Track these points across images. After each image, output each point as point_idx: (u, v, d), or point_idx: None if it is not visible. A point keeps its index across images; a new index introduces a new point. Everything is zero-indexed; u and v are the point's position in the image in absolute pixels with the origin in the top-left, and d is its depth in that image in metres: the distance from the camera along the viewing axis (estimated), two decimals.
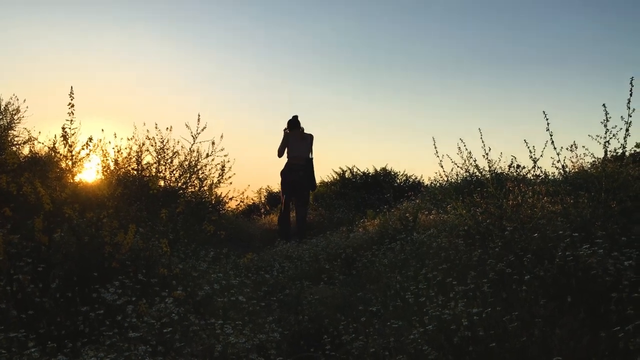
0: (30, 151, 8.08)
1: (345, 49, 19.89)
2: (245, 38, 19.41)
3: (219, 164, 7.13)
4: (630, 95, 3.63)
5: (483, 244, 3.92)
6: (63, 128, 4.27)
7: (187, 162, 7.04)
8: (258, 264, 5.44)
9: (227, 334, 2.82)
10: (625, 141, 3.74)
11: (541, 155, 4.09)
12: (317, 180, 8.45)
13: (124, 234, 3.48)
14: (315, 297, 4.03)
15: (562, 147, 4.02)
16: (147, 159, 6.82)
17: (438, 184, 8.37)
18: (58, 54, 16.66)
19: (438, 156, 4.69)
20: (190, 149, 7.01)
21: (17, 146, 8.22)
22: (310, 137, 7.89)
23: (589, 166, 5.30)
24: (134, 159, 6.65)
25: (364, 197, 9.98)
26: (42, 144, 7.16)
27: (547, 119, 3.94)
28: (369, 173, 11.16)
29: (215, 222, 5.79)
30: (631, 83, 3.63)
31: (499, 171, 6.07)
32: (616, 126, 3.73)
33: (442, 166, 4.70)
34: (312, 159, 7.90)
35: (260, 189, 12.58)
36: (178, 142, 7.04)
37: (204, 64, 19.30)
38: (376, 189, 10.43)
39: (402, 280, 3.86)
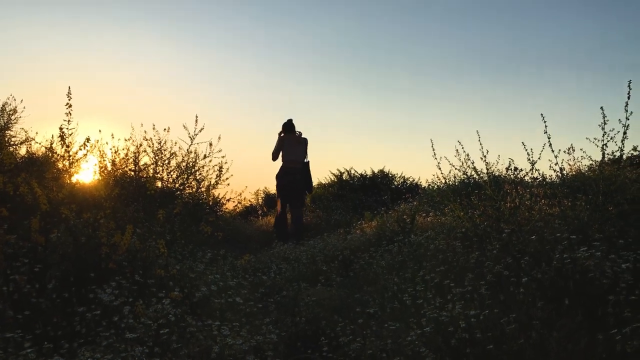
0: (27, 151, 8.04)
1: (344, 50, 19.92)
2: (244, 38, 19.42)
3: (216, 165, 7.12)
4: (628, 98, 3.64)
5: (480, 246, 3.92)
6: (60, 128, 4.26)
7: (184, 163, 7.03)
8: (255, 266, 5.44)
9: (224, 336, 2.82)
10: (622, 144, 3.76)
11: (539, 158, 4.10)
12: (315, 181, 8.47)
13: (121, 235, 3.47)
14: (312, 298, 4.02)
15: (560, 150, 4.04)
16: (145, 159, 6.81)
17: (436, 186, 8.38)
18: (56, 54, 16.65)
19: (436, 158, 4.69)
20: (187, 150, 7.00)
21: (14, 146, 8.20)
22: (304, 141, 7.94)
23: (587, 169, 5.31)
24: (131, 159, 6.62)
25: (361, 199, 9.98)
26: (40, 144, 7.13)
27: (545, 122, 3.95)
28: (367, 175, 11.17)
29: (213, 223, 5.78)
30: (629, 86, 3.65)
31: (497, 174, 6.08)
32: (614, 129, 3.75)
33: (440, 168, 4.71)
34: (308, 162, 7.93)
35: (258, 190, 12.57)
36: (176, 143, 7.03)
37: (202, 64, 19.30)
38: (374, 191, 10.43)
39: (399, 282, 3.86)
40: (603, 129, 3.77)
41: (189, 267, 4.07)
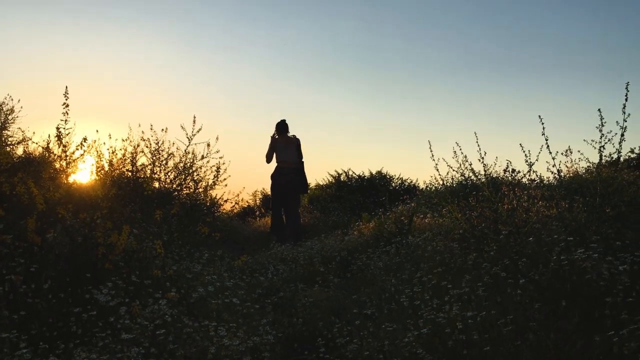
0: (24, 151, 8.03)
1: (343, 51, 19.94)
2: (242, 39, 19.41)
3: (214, 165, 7.13)
4: (626, 100, 3.65)
5: (478, 247, 3.92)
6: (57, 128, 4.25)
7: (182, 164, 7.02)
8: (252, 266, 5.43)
9: (220, 336, 2.81)
10: (620, 146, 3.76)
11: (537, 160, 4.10)
12: (313, 183, 8.49)
13: (118, 235, 3.46)
14: (309, 299, 4.02)
15: (557, 152, 4.04)
16: (142, 160, 6.80)
17: (433, 188, 8.38)
18: (55, 54, 16.62)
19: (434, 160, 4.69)
20: (185, 150, 7.00)
21: (11, 146, 8.18)
22: (297, 141, 7.94)
23: (584, 171, 5.31)
24: (128, 160, 6.61)
25: (359, 200, 9.99)
26: (37, 144, 7.12)
27: (542, 124, 3.95)
28: (365, 176, 11.17)
29: (210, 224, 5.77)
30: (627, 88, 3.65)
31: (495, 175, 6.08)
32: (611, 131, 3.75)
33: (437, 170, 4.71)
34: (302, 162, 7.93)
35: (256, 191, 12.57)
36: (173, 143, 7.03)
37: (201, 64, 19.29)
38: (371, 192, 10.43)
39: (397, 283, 3.86)
40: (601, 130, 3.78)
41: (186, 268, 4.06)
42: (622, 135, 3.73)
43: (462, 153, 4.73)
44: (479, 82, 19.08)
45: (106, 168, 6.36)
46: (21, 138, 8.29)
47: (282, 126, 7.95)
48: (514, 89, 18.64)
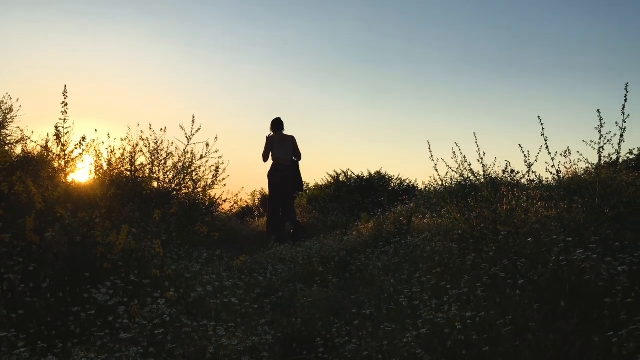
0: (23, 150, 8.03)
1: (342, 51, 19.94)
2: (242, 39, 19.41)
3: (213, 165, 7.13)
4: (625, 101, 3.65)
5: (477, 248, 3.92)
6: (56, 127, 4.25)
7: (181, 164, 7.02)
8: (251, 266, 5.42)
9: (219, 336, 2.80)
10: (619, 147, 3.76)
11: (536, 160, 4.10)
12: (312, 183, 8.50)
13: (117, 235, 3.45)
14: (308, 299, 4.01)
15: (556, 152, 4.04)
16: (141, 159, 6.80)
17: (432, 188, 8.38)
18: (54, 54, 16.60)
19: (433, 160, 4.69)
20: (184, 150, 7.00)
21: (10, 145, 8.17)
22: (292, 139, 7.96)
23: (583, 172, 5.32)
24: (127, 159, 6.61)
25: (358, 200, 9.99)
26: (35, 143, 7.11)
27: (542, 124, 3.95)
28: (364, 177, 11.17)
29: (209, 223, 5.77)
30: (626, 89, 3.65)
31: (494, 176, 6.08)
32: (610, 132, 3.75)
33: (437, 170, 4.70)
34: (297, 160, 7.94)
35: (254, 191, 12.58)
36: (172, 143, 7.03)
37: (200, 64, 19.28)
38: (370, 193, 10.43)
39: (395, 283, 3.86)
40: (600, 131, 3.78)
41: (185, 268, 4.05)
42: (622, 136, 3.73)
43: (461, 153, 4.74)
44: (478, 82, 19.10)
45: (105, 167, 6.36)
46: (20, 137, 8.28)
47: (277, 123, 7.98)
48: (514, 89, 18.66)
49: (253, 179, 20.82)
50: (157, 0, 17.57)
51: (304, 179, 8.35)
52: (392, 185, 11.23)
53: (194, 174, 7.10)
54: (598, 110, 3.77)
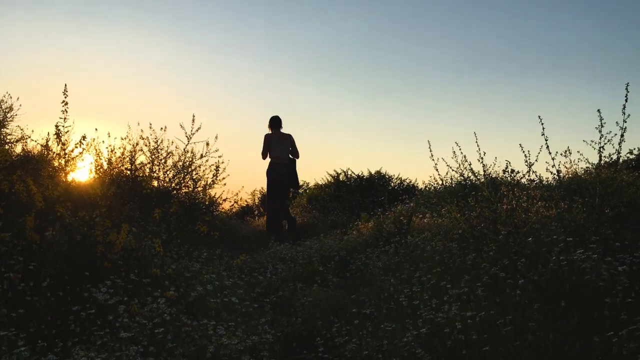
0: (23, 149, 8.02)
1: (342, 50, 19.92)
2: (242, 38, 19.40)
3: (213, 164, 7.14)
4: (626, 100, 3.65)
5: (477, 247, 3.92)
6: (56, 126, 4.25)
7: (181, 163, 7.03)
8: (251, 266, 5.42)
9: (219, 335, 2.80)
10: (620, 147, 3.76)
11: (536, 160, 4.10)
12: (312, 182, 8.52)
13: (117, 234, 3.45)
14: (308, 299, 4.01)
15: (557, 152, 4.04)
16: (141, 158, 6.81)
17: (433, 188, 8.38)
18: (55, 53, 16.59)
19: (433, 159, 4.69)
20: (184, 149, 7.00)
21: (10, 144, 8.16)
22: (289, 137, 7.99)
23: (583, 172, 5.31)
24: (127, 158, 6.62)
25: (358, 200, 9.98)
26: (35, 142, 7.11)
27: (542, 124, 3.95)
28: (364, 176, 11.16)
29: (209, 223, 5.77)
30: (627, 89, 3.65)
31: (494, 175, 6.08)
32: (611, 132, 3.75)
33: (437, 170, 4.70)
34: (294, 159, 7.97)
35: (254, 190, 12.57)
36: (172, 142, 7.03)
37: (200, 63, 19.27)
38: (370, 192, 10.42)
39: (395, 283, 3.86)
40: (600, 131, 3.78)
41: (185, 267, 4.05)
42: (622, 136, 3.73)
43: (461, 153, 4.74)
44: (479, 82, 19.09)
45: (105, 166, 6.36)
46: (20, 136, 8.27)
47: (275, 121, 8.01)
48: (514, 88, 18.64)
49: (253, 179, 20.83)
50: (157, 0, 17.57)
51: (304, 178, 8.44)
52: (392, 184, 11.22)
53: (194, 173, 7.10)
54: (598, 110, 3.77)
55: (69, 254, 3.32)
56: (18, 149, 8.11)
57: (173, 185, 6.93)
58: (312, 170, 17.83)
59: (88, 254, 3.35)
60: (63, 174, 4.63)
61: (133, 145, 6.70)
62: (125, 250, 3.56)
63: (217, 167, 7.10)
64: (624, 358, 2.17)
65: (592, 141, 3.86)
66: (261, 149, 7.96)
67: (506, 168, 4.59)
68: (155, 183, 6.78)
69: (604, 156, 3.84)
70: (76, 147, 4.68)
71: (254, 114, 19.85)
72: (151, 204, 5.68)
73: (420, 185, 10.72)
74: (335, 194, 10.56)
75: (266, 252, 6.13)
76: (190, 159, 7.06)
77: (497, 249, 3.64)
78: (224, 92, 19.33)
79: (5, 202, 3.46)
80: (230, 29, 19.01)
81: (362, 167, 13.37)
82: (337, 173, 11.33)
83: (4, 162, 4.09)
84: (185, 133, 6.92)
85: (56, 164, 4.78)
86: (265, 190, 8.23)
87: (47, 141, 6.15)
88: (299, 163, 8.10)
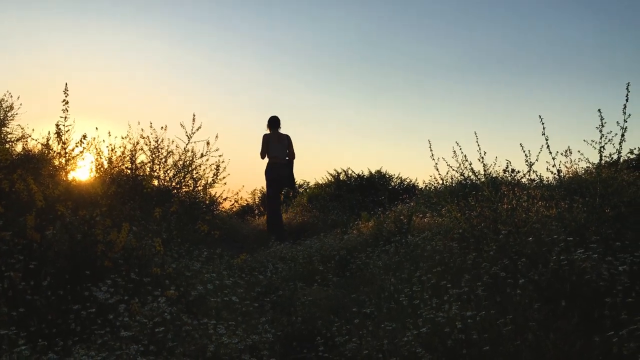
0: (24, 148, 8.01)
1: (342, 50, 19.92)
2: (243, 38, 19.39)
3: (213, 164, 7.14)
4: (626, 100, 3.64)
5: (477, 247, 3.92)
6: (57, 125, 4.25)
7: (181, 162, 7.03)
8: (251, 265, 5.42)
9: (220, 334, 2.80)
10: (620, 147, 3.75)
11: (536, 160, 4.10)
12: (312, 181, 8.54)
13: (117, 233, 3.45)
14: (308, 298, 4.02)
15: (557, 152, 4.03)
16: (141, 158, 6.81)
17: (433, 187, 8.38)
18: (55, 52, 16.59)
19: (434, 159, 4.69)
20: (184, 148, 7.00)
21: (10, 143, 8.16)
22: (287, 138, 8.00)
23: (583, 171, 5.32)
24: (128, 157, 6.62)
25: (358, 199, 9.98)
26: (36, 141, 7.11)
27: (543, 124, 3.95)
28: (364, 175, 11.17)
29: (209, 222, 5.77)
30: (627, 89, 3.65)
31: (494, 175, 6.08)
32: (611, 131, 3.75)
33: (437, 169, 4.70)
34: (291, 160, 7.99)
35: (255, 190, 12.57)
36: (173, 141, 7.04)
37: (201, 63, 19.26)
38: (371, 192, 10.43)
39: (396, 282, 3.86)
40: (601, 131, 3.78)
41: (185, 266, 4.06)
42: (622, 135, 3.72)
43: (462, 152, 4.74)
44: (479, 82, 19.08)
45: (105, 165, 6.36)
46: (21, 135, 8.27)
47: (274, 121, 8.02)
48: (515, 88, 18.63)
49: (253, 178, 20.85)
50: (157, 0, 17.56)
51: (304, 177, 8.46)
52: (393, 184, 11.23)
53: (194, 172, 7.11)
54: (599, 110, 3.77)
55: (70, 252, 3.32)
56: (19, 148, 8.10)
57: (173, 184, 6.94)
58: (312, 169, 17.83)
59: (88, 253, 3.35)
60: (64, 173, 4.63)
61: (133, 145, 6.70)
62: (126, 249, 3.56)
63: (218, 166, 7.11)
64: (625, 358, 2.17)
65: (593, 141, 3.86)
66: (260, 149, 7.98)
67: (507, 168, 4.59)
68: (155, 182, 6.78)
69: (605, 156, 3.84)
70: (77, 146, 4.69)
71: (254, 113, 19.86)
72: (152, 203, 5.69)
73: (421, 185, 10.73)
74: (335, 193, 10.56)
75: (266, 252, 6.13)
76: (191, 158, 7.07)
77: (497, 248, 3.64)
78: (224, 91, 19.34)
79: (6, 201, 3.46)
80: (230, 28, 19.00)
81: (362, 166, 13.39)
82: (337, 172, 11.34)
83: (4, 161, 4.09)
84: (186, 132, 6.93)
85: (57, 163, 4.78)
86: (265, 190, 8.24)
87: (48, 140, 6.15)
88: (296, 162, 8.12)
